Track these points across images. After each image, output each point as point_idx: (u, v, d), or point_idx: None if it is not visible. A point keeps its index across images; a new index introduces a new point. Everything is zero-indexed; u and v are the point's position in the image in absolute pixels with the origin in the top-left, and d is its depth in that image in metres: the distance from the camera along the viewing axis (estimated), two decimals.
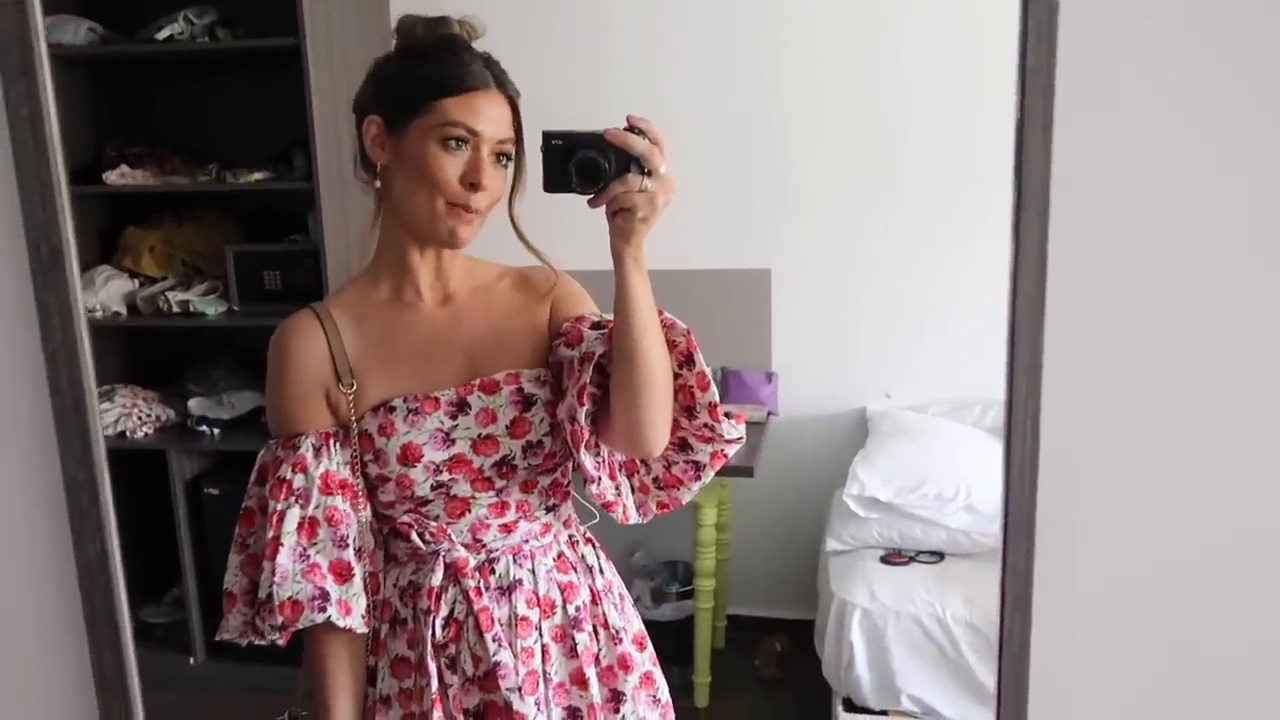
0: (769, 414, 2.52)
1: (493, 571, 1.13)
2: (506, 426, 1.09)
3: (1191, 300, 0.82)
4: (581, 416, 1.05)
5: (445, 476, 1.09)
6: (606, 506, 1.12)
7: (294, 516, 1.06)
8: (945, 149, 2.39)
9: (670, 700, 1.22)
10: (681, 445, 1.11)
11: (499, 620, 1.11)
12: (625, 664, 1.18)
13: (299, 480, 1.06)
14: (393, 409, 1.08)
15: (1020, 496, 0.84)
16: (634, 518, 1.15)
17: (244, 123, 2.44)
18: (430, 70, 1.03)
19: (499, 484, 1.11)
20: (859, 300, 2.57)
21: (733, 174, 2.54)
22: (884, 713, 2.01)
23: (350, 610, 1.07)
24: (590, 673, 1.15)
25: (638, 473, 1.16)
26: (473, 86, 1.03)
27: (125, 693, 0.96)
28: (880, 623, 2.02)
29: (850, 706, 2.03)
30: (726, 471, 2.20)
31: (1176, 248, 0.81)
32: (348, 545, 1.08)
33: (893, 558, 2.17)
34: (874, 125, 2.46)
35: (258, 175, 2.33)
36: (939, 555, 2.16)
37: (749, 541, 2.63)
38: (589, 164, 0.96)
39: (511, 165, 1.07)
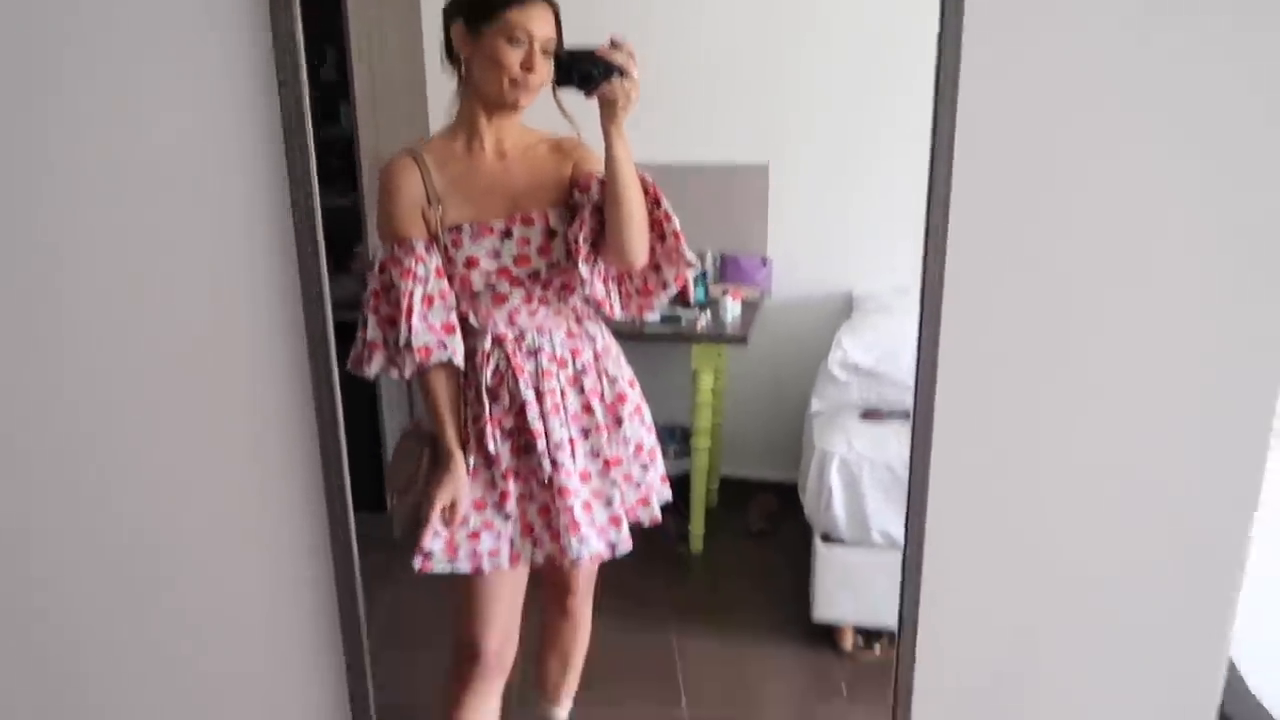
0: (762, 294, 2.75)
1: (523, 340, 1.66)
2: (537, 249, 1.56)
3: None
4: (580, 240, 1.55)
5: (493, 279, 1.56)
6: (598, 304, 1.67)
7: (419, 293, 1.57)
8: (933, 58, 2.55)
9: (654, 425, 1.89)
10: (655, 267, 1.64)
11: (528, 371, 1.66)
12: (621, 398, 1.77)
13: (420, 269, 1.57)
14: (461, 230, 1.55)
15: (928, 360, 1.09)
16: (619, 313, 1.71)
17: None
18: None
19: (528, 285, 1.63)
20: (850, 194, 2.76)
21: (735, 77, 2.71)
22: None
23: (457, 352, 1.61)
24: (595, 404, 1.73)
25: (625, 283, 1.70)
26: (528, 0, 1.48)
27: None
28: (856, 470, 2.29)
29: (826, 539, 2.32)
30: (723, 339, 2.47)
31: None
32: (451, 311, 1.61)
33: (870, 415, 2.42)
34: (868, 37, 2.62)
35: None
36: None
37: (742, 409, 2.87)
38: (585, 70, 1.46)
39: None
